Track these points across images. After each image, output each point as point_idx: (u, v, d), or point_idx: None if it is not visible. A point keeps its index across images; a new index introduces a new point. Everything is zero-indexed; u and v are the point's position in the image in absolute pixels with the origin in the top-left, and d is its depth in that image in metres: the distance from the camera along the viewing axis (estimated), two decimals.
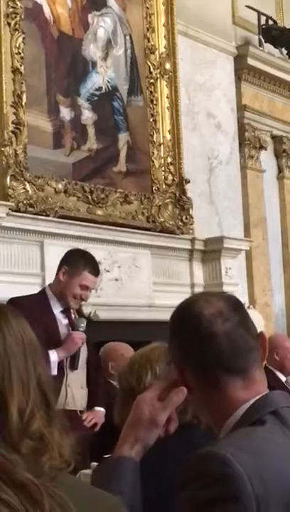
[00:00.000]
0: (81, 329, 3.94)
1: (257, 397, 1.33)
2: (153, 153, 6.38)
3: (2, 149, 5.16)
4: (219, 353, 1.35)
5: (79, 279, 3.90)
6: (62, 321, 3.94)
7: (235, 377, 1.35)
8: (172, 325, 1.49)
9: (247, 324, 1.40)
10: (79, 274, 3.91)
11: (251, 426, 1.29)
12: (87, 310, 4.19)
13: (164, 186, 6.41)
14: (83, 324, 3.96)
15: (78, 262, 3.96)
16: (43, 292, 4.03)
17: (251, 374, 1.36)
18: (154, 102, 6.46)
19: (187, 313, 1.44)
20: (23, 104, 5.35)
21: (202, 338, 1.37)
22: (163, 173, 6.43)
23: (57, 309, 3.94)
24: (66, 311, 3.96)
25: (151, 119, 6.42)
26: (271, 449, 1.22)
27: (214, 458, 1.18)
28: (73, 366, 3.92)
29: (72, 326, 3.96)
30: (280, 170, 8.25)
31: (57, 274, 3.98)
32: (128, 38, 6.39)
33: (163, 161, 6.43)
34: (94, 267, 4.01)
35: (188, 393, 1.41)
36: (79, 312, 4.11)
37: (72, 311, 4.03)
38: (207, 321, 1.37)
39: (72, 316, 4.03)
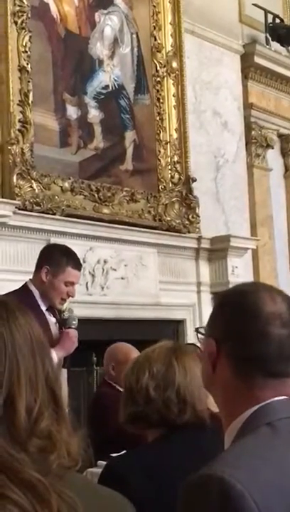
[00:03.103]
0: (73, 326, 3.80)
1: (259, 406, 1.32)
2: (159, 151, 6.38)
3: (9, 148, 5.16)
4: (265, 353, 1.33)
5: (63, 277, 3.75)
6: (50, 319, 3.78)
7: (269, 379, 1.34)
8: (224, 303, 1.44)
9: None
10: (63, 271, 3.76)
11: (248, 437, 1.27)
12: (63, 307, 4.01)
13: (171, 185, 6.40)
14: (75, 321, 3.81)
15: (59, 259, 3.80)
16: (26, 289, 3.80)
17: (285, 381, 1.35)
18: (161, 100, 6.45)
19: (247, 300, 1.38)
20: (30, 102, 5.35)
21: (255, 333, 1.34)
22: (169, 171, 6.42)
23: (43, 308, 3.77)
24: (50, 309, 3.81)
25: (158, 118, 6.41)
26: (268, 464, 1.20)
27: (212, 481, 1.15)
28: (64, 365, 3.81)
29: (60, 323, 3.82)
30: (287, 168, 8.23)
31: (37, 274, 3.80)
32: (134, 36, 6.38)
33: (169, 160, 6.42)
34: (76, 261, 3.87)
35: (210, 372, 1.39)
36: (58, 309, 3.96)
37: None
38: (266, 318, 1.35)
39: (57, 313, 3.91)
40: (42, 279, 3.76)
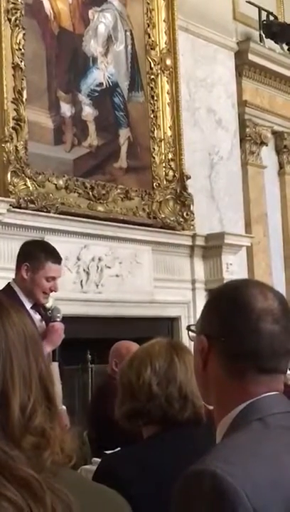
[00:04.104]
0: (58, 319, 3.79)
1: (250, 401, 1.32)
2: (154, 149, 6.38)
3: (3, 145, 5.15)
4: (257, 349, 1.34)
5: (44, 273, 3.74)
6: (35, 316, 3.77)
7: (260, 375, 1.34)
8: (216, 299, 1.44)
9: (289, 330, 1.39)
10: (43, 267, 3.74)
11: (239, 432, 1.28)
12: (48, 304, 4.02)
13: (165, 182, 6.40)
14: (59, 314, 3.81)
15: (38, 255, 3.78)
16: (9, 289, 3.80)
17: (277, 377, 1.36)
18: (155, 97, 6.45)
19: (239, 296, 1.38)
20: (24, 100, 5.34)
21: (246, 329, 1.35)
22: (163, 169, 6.42)
23: (28, 306, 3.76)
24: (35, 306, 3.80)
25: (152, 115, 6.41)
26: (260, 459, 1.21)
27: (204, 476, 1.15)
28: (54, 358, 3.81)
29: (46, 320, 3.81)
30: (281, 166, 8.25)
31: (18, 272, 3.80)
32: (128, 33, 6.38)
33: (163, 157, 6.42)
34: (55, 256, 3.84)
35: (201, 368, 1.40)
36: (44, 306, 3.96)
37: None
38: (257, 314, 1.35)
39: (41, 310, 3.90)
40: (23, 277, 3.76)
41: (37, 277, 3.75)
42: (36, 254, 3.80)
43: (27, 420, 0.98)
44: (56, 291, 3.87)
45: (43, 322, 3.81)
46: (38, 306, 3.83)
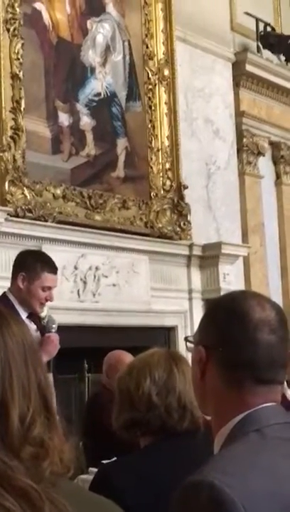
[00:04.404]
0: (53, 330, 3.80)
1: (247, 412, 1.33)
2: (151, 158, 6.39)
3: (0, 155, 5.16)
4: (254, 359, 1.34)
5: (39, 282, 3.75)
6: (31, 326, 3.74)
7: (258, 386, 1.34)
8: (214, 310, 1.45)
9: (287, 341, 1.39)
10: (39, 277, 3.76)
11: (237, 443, 1.28)
12: (43, 313, 4.02)
13: (162, 192, 6.42)
14: (55, 325, 3.82)
15: (34, 265, 3.80)
16: (4, 298, 3.81)
17: (274, 388, 1.36)
18: (153, 107, 6.47)
19: (237, 306, 1.39)
20: (22, 109, 5.35)
21: (244, 339, 1.35)
22: (161, 178, 6.43)
23: (23, 315, 3.77)
24: (30, 316, 3.82)
25: (150, 125, 6.43)
26: (257, 470, 1.21)
27: (201, 487, 1.15)
28: (49, 369, 3.80)
29: (41, 330, 3.81)
30: (278, 176, 8.27)
31: (14, 281, 3.81)
32: (126, 44, 6.41)
33: (161, 167, 6.44)
34: (51, 266, 3.86)
35: (199, 379, 1.40)
36: (38, 316, 3.97)
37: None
38: (255, 324, 1.35)
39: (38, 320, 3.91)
40: (19, 287, 3.77)
41: (33, 287, 3.76)
42: (32, 264, 3.81)
43: (26, 430, 0.98)
44: (52, 301, 3.89)
45: (38, 332, 3.81)
46: (33, 316, 3.84)
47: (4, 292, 3.87)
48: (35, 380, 1.03)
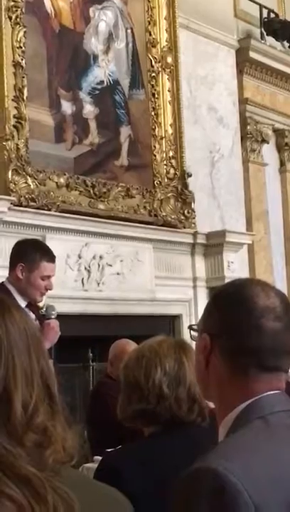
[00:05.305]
0: (53, 316, 3.81)
1: (252, 400, 1.32)
2: (154, 147, 6.37)
3: (4, 143, 5.15)
4: (259, 346, 1.34)
5: (38, 272, 3.75)
6: (30, 315, 3.81)
7: (262, 373, 1.34)
8: (218, 297, 1.44)
9: None
10: (38, 266, 3.75)
11: (241, 430, 1.28)
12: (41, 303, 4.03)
13: (166, 180, 6.40)
14: (54, 311, 3.83)
15: (33, 255, 3.79)
16: (3, 288, 3.79)
17: (279, 375, 1.36)
18: (156, 95, 6.45)
19: (241, 294, 1.39)
20: (25, 98, 5.34)
21: (249, 326, 1.35)
22: (164, 167, 6.42)
23: (22, 305, 3.70)
24: (28, 306, 3.79)
25: (153, 113, 6.41)
26: (261, 457, 1.21)
27: (206, 473, 1.16)
28: (50, 356, 3.81)
29: (40, 319, 3.81)
30: (282, 163, 8.25)
31: (13, 271, 3.80)
32: (129, 31, 6.38)
33: (164, 155, 6.42)
34: (49, 255, 3.85)
35: (203, 366, 1.40)
36: (37, 306, 3.97)
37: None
38: (260, 311, 1.35)
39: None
40: (18, 276, 3.76)
41: (32, 277, 3.75)
42: (31, 254, 3.80)
43: (29, 418, 0.98)
44: (51, 290, 3.89)
45: (37, 321, 3.81)
46: (31, 306, 3.84)
47: (2, 282, 3.86)
48: (38, 367, 1.03)
